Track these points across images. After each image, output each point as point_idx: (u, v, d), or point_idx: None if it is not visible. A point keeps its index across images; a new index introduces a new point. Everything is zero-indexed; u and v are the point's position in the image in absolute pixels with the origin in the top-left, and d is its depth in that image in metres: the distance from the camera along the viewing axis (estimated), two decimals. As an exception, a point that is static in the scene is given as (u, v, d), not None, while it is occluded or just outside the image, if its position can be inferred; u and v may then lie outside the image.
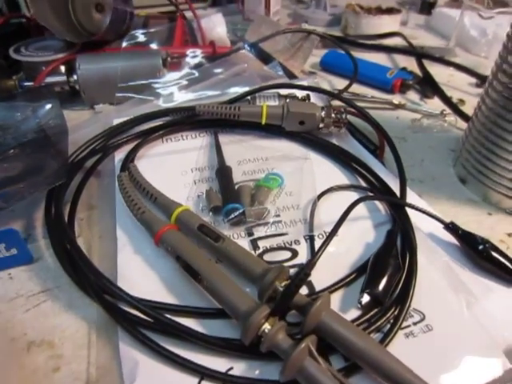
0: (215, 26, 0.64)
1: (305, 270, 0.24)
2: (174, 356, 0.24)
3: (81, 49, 0.53)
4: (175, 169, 0.39)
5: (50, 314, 0.28)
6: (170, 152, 0.41)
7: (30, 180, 0.35)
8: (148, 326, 0.25)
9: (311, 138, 0.41)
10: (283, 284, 0.26)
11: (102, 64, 0.49)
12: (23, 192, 0.33)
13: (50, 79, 0.50)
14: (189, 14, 0.68)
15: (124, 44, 0.54)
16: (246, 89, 0.47)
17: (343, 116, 0.40)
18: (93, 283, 0.27)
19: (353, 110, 0.42)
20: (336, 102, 0.46)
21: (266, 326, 0.23)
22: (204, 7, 0.84)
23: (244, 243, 0.31)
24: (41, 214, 0.36)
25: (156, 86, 0.48)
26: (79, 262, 0.28)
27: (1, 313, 0.28)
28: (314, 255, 0.25)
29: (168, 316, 0.25)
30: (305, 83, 0.46)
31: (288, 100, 0.42)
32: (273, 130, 0.42)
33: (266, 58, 0.52)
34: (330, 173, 0.39)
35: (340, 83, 0.56)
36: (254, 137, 0.42)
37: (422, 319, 0.26)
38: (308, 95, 0.43)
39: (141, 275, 0.29)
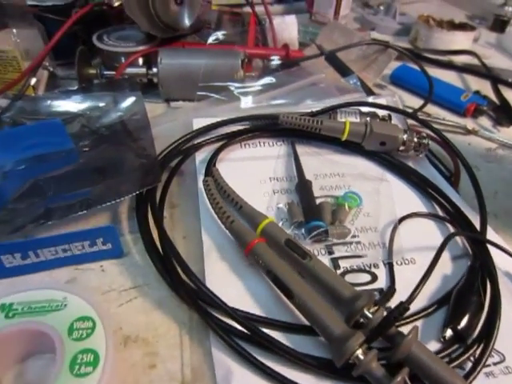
0: (287, 27, 0.64)
1: (404, 304, 0.25)
2: (267, 369, 0.25)
3: (160, 42, 0.54)
4: (254, 176, 0.39)
5: (142, 310, 0.29)
6: (248, 158, 0.42)
7: (119, 178, 0.36)
8: (242, 336, 0.26)
9: (389, 159, 0.41)
10: (371, 311, 0.27)
11: (184, 60, 0.50)
12: (116, 190, 0.34)
13: (129, 70, 0.51)
14: (259, 9, 0.67)
15: (209, 41, 0.54)
16: (323, 100, 0.47)
17: (425, 142, 0.40)
18: (187, 287, 0.29)
19: (432, 134, 0.42)
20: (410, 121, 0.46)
21: (360, 353, 0.24)
22: (270, 3, 0.84)
23: (325, 261, 0.32)
24: (125, 207, 0.37)
25: (232, 88, 0.48)
26: (175, 266, 0.29)
27: (99, 304, 0.29)
28: (414, 291, 0.25)
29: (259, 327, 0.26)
30: (384, 101, 0.46)
31: (370, 119, 0.42)
32: (350, 147, 0.42)
33: (341, 69, 0.52)
34: (406, 197, 0.39)
35: (410, 100, 0.56)
36: (329, 151, 0.43)
37: (503, 360, 0.27)
38: (389, 115, 0.43)
39: (228, 283, 0.30)
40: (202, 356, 0.27)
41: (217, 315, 0.28)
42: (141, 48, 0.52)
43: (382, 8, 0.81)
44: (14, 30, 0.48)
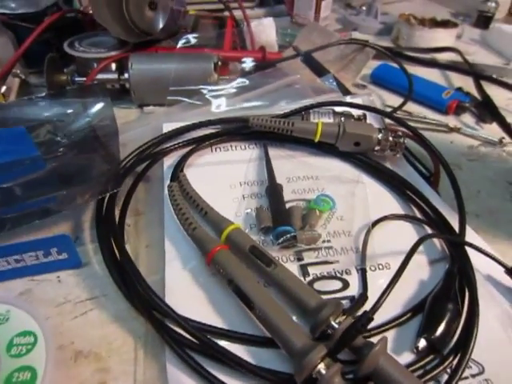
0: (265, 29, 0.63)
1: (368, 314, 0.23)
2: (223, 385, 0.23)
3: (133, 47, 0.53)
4: (224, 181, 0.38)
5: (97, 323, 0.28)
6: (218, 162, 0.40)
7: (84, 185, 0.35)
8: (196, 349, 0.25)
9: (364, 160, 0.39)
10: (338, 321, 0.25)
11: (155, 65, 0.49)
12: (77, 198, 0.33)
13: (100, 76, 0.50)
14: (237, 14, 0.66)
15: (179, 45, 0.53)
16: (298, 101, 0.46)
17: (401, 140, 0.38)
18: (142, 297, 0.27)
19: (408, 133, 0.41)
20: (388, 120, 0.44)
21: (322, 367, 0.22)
22: (251, 7, 0.83)
23: (293, 268, 0.31)
24: (89, 216, 0.36)
25: (205, 91, 0.47)
26: (130, 275, 0.28)
27: (50, 318, 0.28)
28: (378, 300, 0.24)
29: (215, 340, 0.25)
30: (360, 100, 0.45)
31: (344, 119, 0.41)
32: (324, 148, 0.41)
33: (318, 69, 0.50)
34: (382, 199, 0.37)
35: (391, 99, 0.55)
36: (303, 153, 0.41)
37: (481, 372, 0.25)
38: (364, 114, 0.42)
39: (189, 293, 0.29)
40: (156, 372, 0.25)
41: (173, 328, 0.26)
42: (112, 54, 0.51)
43: (364, 8, 0.80)
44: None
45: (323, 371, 0.22)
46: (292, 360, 0.24)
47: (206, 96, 0.46)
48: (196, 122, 0.41)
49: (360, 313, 0.27)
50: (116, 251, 0.30)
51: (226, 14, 0.68)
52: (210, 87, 0.47)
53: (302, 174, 0.39)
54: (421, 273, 0.31)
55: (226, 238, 0.31)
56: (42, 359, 0.22)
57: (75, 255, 0.30)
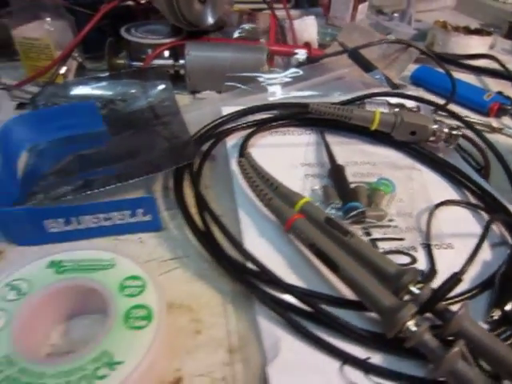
0: (307, 27, 0.65)
1: (458, 275, 0.24)
2: (318, 339, 0.24)
3: (186, 36, 0.55)
4: (285, 161, 0.40)
5: (183, 281, 0.29)
6: (277, 145, 0.42)
7: (157, 156, 0.36)
8: (289, 307, 0.26)
9: (418, 150, 0.41)
10: (417, 287, 0.26)
11: (211, 53, 0.50)
12: (154, 168, 0.34)
13: (156, 61, 0.52)
14: (279, 13, 0.69)
15: (235, 35, 0.55)
16: (349, 93, 0.47)
17: (457, 132, 0.40)
18: (233, 261, 0.28)
19: (461, 125, 0.42)
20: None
21: (411, 324, 0.24)
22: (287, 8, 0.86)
23: (363, 241, 0.32)
24: (159, 186, 0.37)
25: (261, 79, 0.49)
26: (216, 239, 0.29)
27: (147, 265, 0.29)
28: (466, 263, 0.25)
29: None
30: (414, 94, 0.47)
31: (398, 109, 0.42)
32: (379, 137, 0.42)
33: (365, 65, 0.52)
34: (438, 186, 0.39)
35: (431, 99, 0.56)
36: (358, 141, 0.43)
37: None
38: (418, 107, 0.44)
39: (268, 258, 0.30)
40: (247, 325, 0.26)
41: (261, 287, 0.27)
42: (168, 41, 0.53)
43: (395, 15, 0.83)
44: (48, 19, 0.49)
45: (414, 328, 0.23)
46: (382, 318, 0.25)
47: (262, 84, 0.48)
48: (258, 105, 0.43)
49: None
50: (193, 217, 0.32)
51: (267, 12, 0.70)
52: (266, 75, 0.48)
53: (358, 159, 0.40)
54: (484, 254, 0.32)
55: (299, 210, 0.32)
56: (154, 299, 0.24)
57: (157, 218, 0.32)
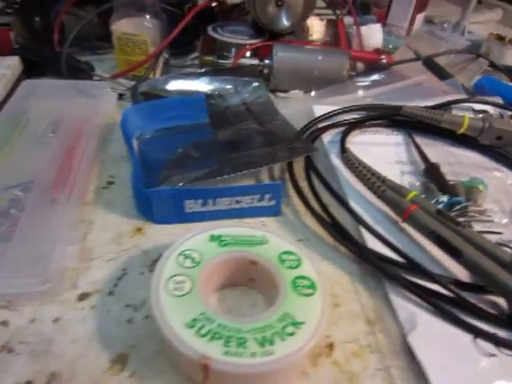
0: (373, 34, 0.68)
1: None
2: (452, 315, 0.27)
3: (268, 38, 0.58)
4: (379, 158, 0.42)
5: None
6: (370, 143, 0.45)
7: (275, 149, 0.39)
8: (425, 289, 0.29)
9: (503, 154, 0.44)
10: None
11: (298, 54, 0.53)
12: (275, 158, 0.37)
13: (242, 60, 0.55)
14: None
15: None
16: (427, 99, 0.50)
17: (542, 138, 0.42)
18: (359, 244, 0.31)
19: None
20: None
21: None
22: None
23: (466, 234, 0.35)
24: (265, 177, 0.40)
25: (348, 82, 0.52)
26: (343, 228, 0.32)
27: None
28: None
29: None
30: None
31: (484, 115, 0.45)
32: (464, 141, 0.45)
33: (440, 72, 0.55)
34: (523, 187, 0.41)
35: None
36: (444, 143, 0.46)
37: None
38: (501, 114, 0.46)
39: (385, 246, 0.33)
40: (379, 300, 0.29)
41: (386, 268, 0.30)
42: (252, 41, 0.56)
43: (445, 25, 0.85)
44: (148, 17, 0.52)
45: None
46: (507, 300, 0.28)
47: (350, 86, 0.51)
48: (351, 106, 0.46)
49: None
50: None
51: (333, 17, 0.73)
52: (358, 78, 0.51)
53: (447, 159, 0.43)
54: None
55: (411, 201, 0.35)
56: (312, 272, 0.26)
57: (279, 204, 0.35)
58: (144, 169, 0.36)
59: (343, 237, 0.32)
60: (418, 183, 0.39)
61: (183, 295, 0.24)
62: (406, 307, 0.28)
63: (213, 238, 0.28)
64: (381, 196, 0.35)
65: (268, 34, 0.58)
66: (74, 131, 0.41)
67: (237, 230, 0.29)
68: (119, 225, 0.33)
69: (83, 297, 0.28)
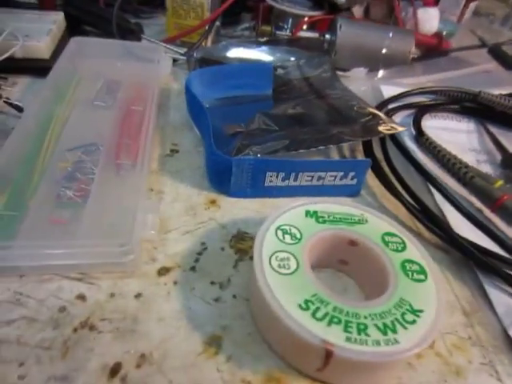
0: (430, 18, 0.64)
1: None
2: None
3: (328, 12, 0.55)
4: (453, 145, 0.40)
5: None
6: (440, 128, 0.42)
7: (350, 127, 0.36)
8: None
9: None
10: None
11: (363, 31, 0.50)
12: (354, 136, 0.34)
13: (302, 33, 0.52)
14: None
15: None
16: (495, 87, 0.48)
17: None
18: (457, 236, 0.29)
19: None
20: None
21: None
22: None
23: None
24: (335, 154, 0.38)
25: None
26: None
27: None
28: None
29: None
30: None
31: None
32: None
33: (506, 61, 0.52)
34: None
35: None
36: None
37: None
38: None
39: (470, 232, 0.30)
40: (474, 291, 0.27)
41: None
42: (312, 13, 0.53)
43: (490, 17, 0.82)
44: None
45: None
46: None
47: (412, 69, 0.48)
48: (422, 88, 0.44)
49: None
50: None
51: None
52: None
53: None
54: None
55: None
56: (419, 256, 0.24)
57: (361, 183, 0.32)
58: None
59: (431, 221, 0.30)
60: (496, 173, 0.37)
61: (290, 273, 0.22)
62: (503, 300, 0.26)
63: (309, 214, 0.25)
64: (467, 183, 0.33)
65: (327, 7, 0.55)
66: (131, 95, 0.38)
67: (332, 207, 0.26)
68: (191, 196, 0.31)
69: (163, 271, 0.26)
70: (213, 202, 0.31)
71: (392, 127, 0.34)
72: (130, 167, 0.31)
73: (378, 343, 0.19)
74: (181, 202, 0.30)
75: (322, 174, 0.31)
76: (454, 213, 0.31)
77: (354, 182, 0.32)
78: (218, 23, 0.54)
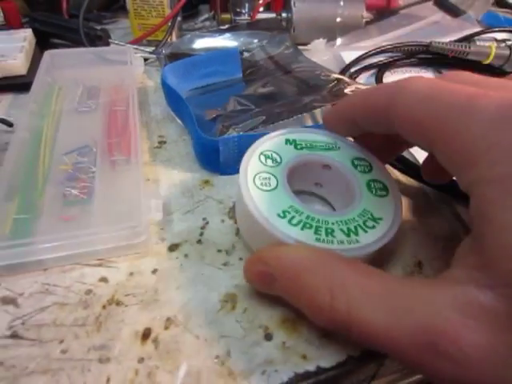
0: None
1: None
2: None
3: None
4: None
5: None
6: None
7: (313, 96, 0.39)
8: None
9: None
10: None
11: (317, 2, 0.53)
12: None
13: (259, 16, 0.54)
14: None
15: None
16: (446, 36, 0.51)
17: None
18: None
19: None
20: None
21: None
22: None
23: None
24: (309, 122, 0.41)
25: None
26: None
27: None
28: None
29: None
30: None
31: (509, 44, 0.46)
32: (490, 72, 0.46)
33: (453, 10, 0.56)
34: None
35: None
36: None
37: None
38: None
39: None
40: (452, 221, 0.30)
41: None
42: (267, -6, 0.55)
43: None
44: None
45: None
46: None
47: (367, 32, 0.51)
48: (379, 47, 0.47)
49: None
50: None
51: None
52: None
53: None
54: None
55: None
56: (383, 175, 0.28)
57: (337, 144, 0.35)
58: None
59: (407, 168, 0.33)
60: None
61: (271, 190, 0.25)
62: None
63: (288, 142, 0.29)
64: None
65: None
66: (111, 97, 0.40)
67: (309, 136, 0.29)
68: (185, 179, 0.34)
69: (173, 248, 0.28)
70: (206, 181, 0.33)
71: (357, 88, 0.37)
72: (125, 162, 0.33)
73: (342, 242, 0.23)
74: (177, 187, 0.33)
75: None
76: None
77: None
78: (179, 18, 0.56)
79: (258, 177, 0.26)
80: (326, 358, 0.23)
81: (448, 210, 0.32)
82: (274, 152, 0.28)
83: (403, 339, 0.16)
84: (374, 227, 0.24)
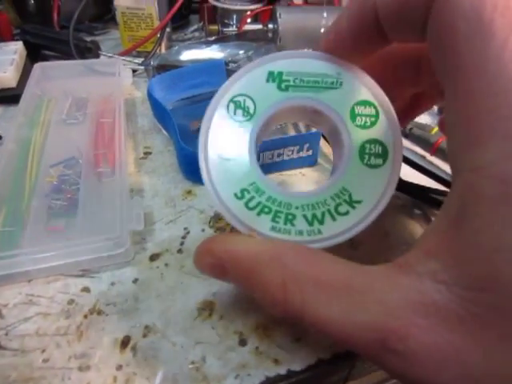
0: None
1: None
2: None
3: (267, 3, 0.59)
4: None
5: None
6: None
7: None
8: None
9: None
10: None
11: (302, 14, 0.54)
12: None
13: (246, 27, 0.56)
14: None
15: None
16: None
17: None
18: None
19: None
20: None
21: None
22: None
23: None
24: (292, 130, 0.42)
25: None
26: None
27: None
28: None
29: None
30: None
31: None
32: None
33: None
34: None
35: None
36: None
37: None
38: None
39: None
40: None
41: None
42: (254, 7, 0.56)
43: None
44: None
45: None
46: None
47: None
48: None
49: None
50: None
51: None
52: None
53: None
54: None
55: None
56: (388, 134, 0.21)
57: (317, 153, 0.36)
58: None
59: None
60: (434, 122, 0.42)
61: (234, 158, 0.21)
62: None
63: (271, 78, 0.22)
64: (408, 135, 0.37)
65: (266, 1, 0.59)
66: (99, 108, 0.41)
67: (302, 65, 0.22)
68: (169, 190, 0.35)
69: (154, 257, 0.29)
70: (189, 192, 0.34)
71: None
72: (110, 173, 0.34)
73: (300, 233, 0.20)
74: (160, 197, 0.34)
75: (281, 151, 0.35)
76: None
77: (310, 152, 0.36)
78: (168, 29, 0.57)
79: (221, 137, 0.21)
80: (296, 362, 0.24)
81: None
82: (248, 97, 0.21)
83: (355, 334, 0.16)
84: (346, 214, 0.20)
